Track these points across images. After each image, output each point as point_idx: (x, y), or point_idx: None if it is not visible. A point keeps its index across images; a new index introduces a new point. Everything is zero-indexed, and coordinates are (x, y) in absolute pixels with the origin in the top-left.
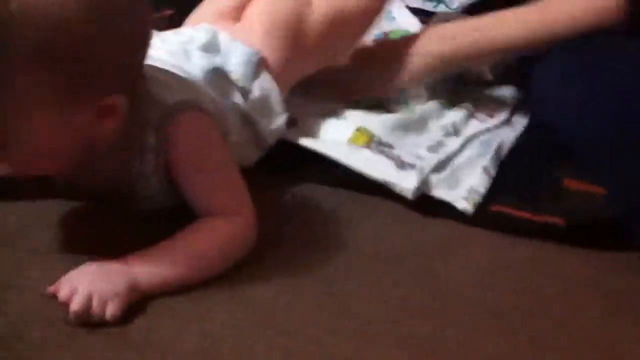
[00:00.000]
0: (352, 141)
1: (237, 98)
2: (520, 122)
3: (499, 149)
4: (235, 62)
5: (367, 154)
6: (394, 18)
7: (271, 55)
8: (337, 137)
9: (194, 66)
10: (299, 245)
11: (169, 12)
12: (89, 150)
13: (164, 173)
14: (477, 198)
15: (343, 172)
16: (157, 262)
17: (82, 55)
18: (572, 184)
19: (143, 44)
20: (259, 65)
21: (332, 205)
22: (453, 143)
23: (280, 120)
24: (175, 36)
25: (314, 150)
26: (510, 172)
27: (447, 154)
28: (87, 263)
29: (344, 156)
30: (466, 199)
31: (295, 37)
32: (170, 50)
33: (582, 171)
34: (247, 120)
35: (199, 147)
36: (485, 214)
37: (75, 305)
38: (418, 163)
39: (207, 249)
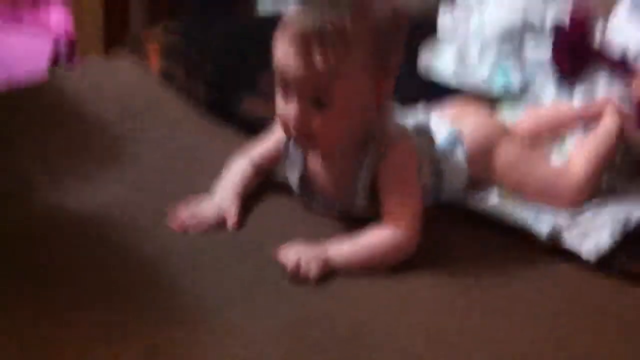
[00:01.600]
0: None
1: (433, 151)
2: None
3: (627, 220)
4: (440, 130)
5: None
6: None
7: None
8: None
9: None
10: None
11: None
12: (360, 129)
13: (370, 187)
14: (602, 252)
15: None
16: (343, 248)
17: (393, 44)
18: None
19: None
20: (459, 139)
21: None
22: (588, 211)
23: (460, 181)
24: None
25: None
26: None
27: (580, 217)
28: (297, 241)
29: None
30: (591, 251)
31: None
32: None
33: None
34: (436, 171)
35: (404, 167)
36: (606, 265)
37: (290, 264)
38: (554, 218)
39: (376, 248)
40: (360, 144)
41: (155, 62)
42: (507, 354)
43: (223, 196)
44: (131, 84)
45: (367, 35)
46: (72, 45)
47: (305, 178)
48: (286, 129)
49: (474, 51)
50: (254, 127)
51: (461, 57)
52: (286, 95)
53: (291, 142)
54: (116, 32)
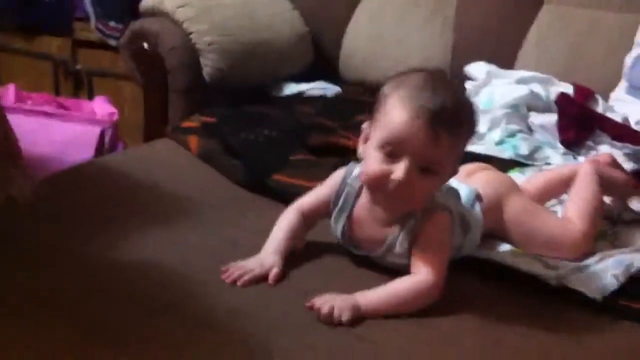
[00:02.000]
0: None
1: (461, 209)
2: None
3: (630, 265)
4: (460, 187)
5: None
6: None
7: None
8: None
9: None
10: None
11: None
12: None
13: (408, 245)
14: (606, 294)
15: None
16: (372, 297)
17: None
18: None
19: None
20: (478, 197)
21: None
22: (592, 258)
23: (478, 236)
24: None
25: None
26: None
27: (585, 263)
28: (331, 293)
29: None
30: (597, 290)
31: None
32: None
33: None
34: (464, 228)
35: (440, 235)
36: (611, 305)
37: (324, 310)
38: (560, 265)
39: (404, 296)
40: None
41: (194, 144)
42: None
43: (268, 250)
44: (173, 165)
45: (470, 113)
46: (116, 135)
47: (348, 229)
48: (376, 186)
49: (484, 120)
50: (283, 197)
51: None
52: (390, 157)
53: (344, 194)
54: (156, 125)
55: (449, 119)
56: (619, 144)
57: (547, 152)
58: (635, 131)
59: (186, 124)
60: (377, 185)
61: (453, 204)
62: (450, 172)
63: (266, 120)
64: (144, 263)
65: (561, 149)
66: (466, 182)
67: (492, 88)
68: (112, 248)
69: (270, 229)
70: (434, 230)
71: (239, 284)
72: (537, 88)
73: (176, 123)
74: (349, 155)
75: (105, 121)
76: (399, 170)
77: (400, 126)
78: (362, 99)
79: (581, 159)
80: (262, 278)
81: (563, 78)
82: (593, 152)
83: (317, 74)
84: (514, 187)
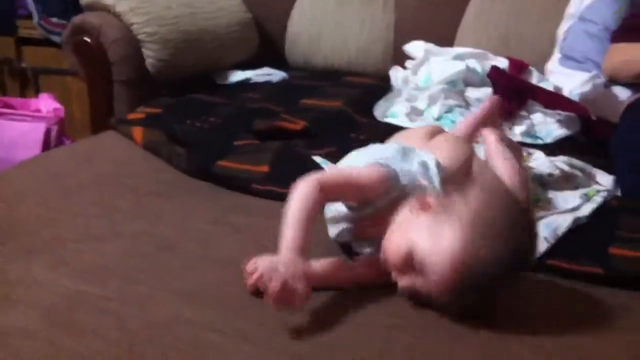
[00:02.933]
0: None
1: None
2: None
3: (557, 227)
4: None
5: None
6: None
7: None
8: None
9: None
10: None
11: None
12: None
13: None
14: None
15: None
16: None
17: None
18: (618, 251)
19: None
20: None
21: None
22: None
23: None
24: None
25: None
26: (569, 241)
27: None
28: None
29: None
30: None
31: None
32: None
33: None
34: None
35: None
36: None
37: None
38: None
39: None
40: None
41: (139, 135)
42: None
43: (288, 245)
44: (118, 156)
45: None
46: (62, 131)
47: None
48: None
49: (423, 97)
50: (229, 183)
51: (412, 105)
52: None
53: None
54: (103, 119)
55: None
56: (551, 112)
57: None
58: (566, 98)
59: (131, 115)
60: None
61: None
62: None
63: (212, 108)
64: (88, 252)
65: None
66: (428, 147)
67: (430, 66)
68: (56, 239)
69: (216, 215)
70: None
71: (295, 309)
72: (473, 63)
73: (122, 116)
74: (294, 138)
75: (51, 117)
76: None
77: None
78: (307, 84)
79: (517, 129)
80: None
81: (500, 53)
82: (527, 122)
83: (263, 60)
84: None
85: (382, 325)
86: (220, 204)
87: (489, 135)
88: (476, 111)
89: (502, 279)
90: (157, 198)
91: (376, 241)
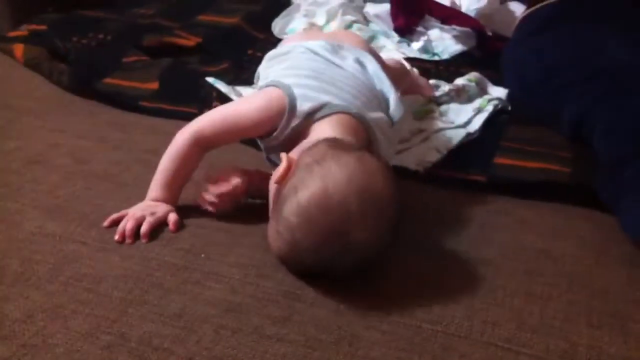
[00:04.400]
0: None
1: None
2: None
3: (450, 139)
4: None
5: None
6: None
7: None
8: None
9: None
10: None
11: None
12: None
13: None
14: (427, 165)
15: None
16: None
17: None
18: (501, 160)
19: None
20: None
21: None
22: (418, 137)
23: None
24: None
25: None
26: (458, 151)
27: (411, 143)
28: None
29: None
30: (418, 165)
31: None
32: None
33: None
34: None
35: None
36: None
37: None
38: None
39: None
40: None
41: (19, 52)
42: None
43: (156, 195)
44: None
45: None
46: None
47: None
48: None
49: (321, 12)
50: (114, 100)
51: (310, 20)
52: None
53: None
54: None
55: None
56: (447, 27)
57: (382, 41)
58: (463, 13)
59: (13, 33)
60: None
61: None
62: None
63: (100, 24)
64: None
65: (396, 37)
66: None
67: None
68: None
69: (93, 131)
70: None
71: (144, 240)
72: None
73: (3, 33)
74: (184, 55)
75: None
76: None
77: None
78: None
79: (414, 45)
80: (158, 225)
81: None
82: (424, 38)
83: None
84: None
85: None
86: (99, 120)
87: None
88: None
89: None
90: (33, 115)
91: None
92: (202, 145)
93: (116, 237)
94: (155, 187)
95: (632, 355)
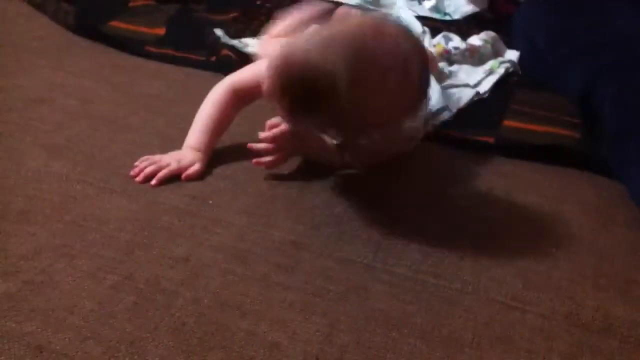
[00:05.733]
0: None
1: None
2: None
3: (459, 100)
4: None
5: None
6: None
7: None
8: None
9: None
10: None
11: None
12: None
13: None
14: (436, 123)
15: None
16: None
17: None
18: (509, 123)
19: None
20: None
21: None
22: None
23: None
24: None
25: None
26: (467, 112)
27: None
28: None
29: None
30: (427, 122)
31: None
32: None
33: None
34: None
35: None
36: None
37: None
38: None
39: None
40: None
41: None
42: None
43: (190, 143)
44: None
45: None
46: None
47: None
48: None
49: None
50: (121, 44)
51: None
52: None
53: None
54: None
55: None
56: None
57: None
58: None
59: None
60: None
61: None
62: None
63: None
64: None
65: None
66: None
67: None
68: None
69: (99, 72)
70: None
71: (153, 182)
72: None
73: None
74: (192, 1)
75: None
76: None
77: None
78: None
79: (426, 4)
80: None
81: None
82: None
83: None
84: None
85: None
86: (104, 62)
87: None
88: None
89: None
90: (35, 55)
91: None
92: (239, 95)
93: (131, 173)
94: (193, 133)
95: (637, 318)
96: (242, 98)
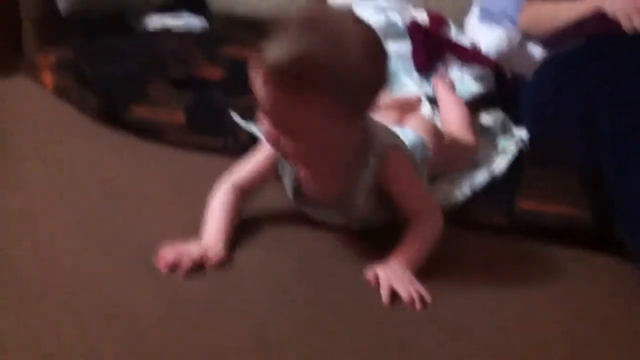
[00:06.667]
0: None
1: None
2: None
3: (473, 183)
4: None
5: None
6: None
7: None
8: None
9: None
10: None
11: None
12: (337, 153)
13: (375, 190)
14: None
15: None
16: (411, 257)
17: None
18: (525, 204)
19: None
20: (424, 146)
21: None
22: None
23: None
24: None
25: None
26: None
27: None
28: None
29: None
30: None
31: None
32: None
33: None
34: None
35: (406, 171)
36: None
37: (406, 295)
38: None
39: (430, 240)
40: (353, 154)
41: (48, 80)
42: None
43: (211, 238)
44: (26, 102)
45: (337, 70)
46: None
47: (298, 185)
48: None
49: None
50: (143, 131)
51: None
52: (264, 119)
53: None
54: (9, 58)
55: (282, 74)
56: (467, 68)
57: (403, 79)
58: (482, 54)
59: (41, 59)
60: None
61: (401, 143)
62: (328, 130)
63: (125, 53)
64: None
65: (416, 75)
66: (401, 126)
67: None
68: None
69: (124, 164)
70: (399, 171)
71: (181, 273)
72: (394, 16)
73: (31, 57)
74: (210, 87)
75: None
76: (265, 131)
77: (254, 87)
78: (230, 33)
79: None
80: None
81: (420, 5)
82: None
83: (182, 5)
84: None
85: None
86: (127, 152)
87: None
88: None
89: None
90: (60, 146)
91: None
92: (244, 189)
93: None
94: (209, 232)
95: None
96: (247, 190)
